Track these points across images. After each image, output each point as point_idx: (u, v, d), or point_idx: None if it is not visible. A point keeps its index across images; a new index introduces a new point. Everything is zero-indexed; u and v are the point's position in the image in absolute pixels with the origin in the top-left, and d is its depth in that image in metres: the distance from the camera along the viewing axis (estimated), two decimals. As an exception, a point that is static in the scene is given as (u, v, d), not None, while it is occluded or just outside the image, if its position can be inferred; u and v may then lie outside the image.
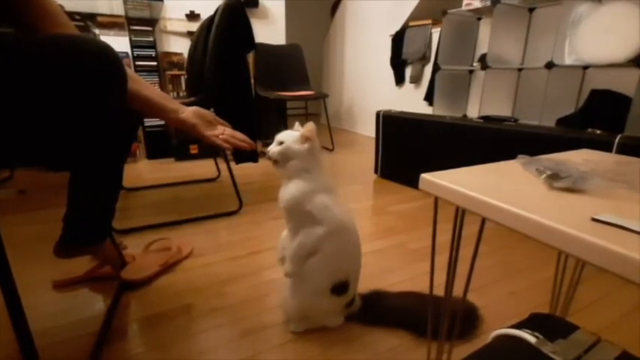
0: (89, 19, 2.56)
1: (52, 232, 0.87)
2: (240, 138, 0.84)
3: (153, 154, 2.51)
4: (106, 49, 0.58)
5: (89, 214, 0.86)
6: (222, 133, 0.83)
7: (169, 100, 0.79)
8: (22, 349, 0.57)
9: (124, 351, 0.76)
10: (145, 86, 0.75)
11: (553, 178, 0.43)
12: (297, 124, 0.78)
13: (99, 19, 2.59)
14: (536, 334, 0.26)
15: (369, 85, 3.55)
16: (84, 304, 0.92)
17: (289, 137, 0.73)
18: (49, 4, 0.67)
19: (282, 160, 0.73)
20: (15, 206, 1.58)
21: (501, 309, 0.90)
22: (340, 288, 0.76)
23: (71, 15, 2.46)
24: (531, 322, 0.31)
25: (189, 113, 0.80)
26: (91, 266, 1.00)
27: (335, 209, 0.74)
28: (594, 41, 1.59)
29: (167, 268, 1.06)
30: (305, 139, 0.72)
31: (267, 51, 2.93)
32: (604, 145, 1.12)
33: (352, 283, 0.79)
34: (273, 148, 0.73)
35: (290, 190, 0.72)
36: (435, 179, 0.46)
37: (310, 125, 0.72)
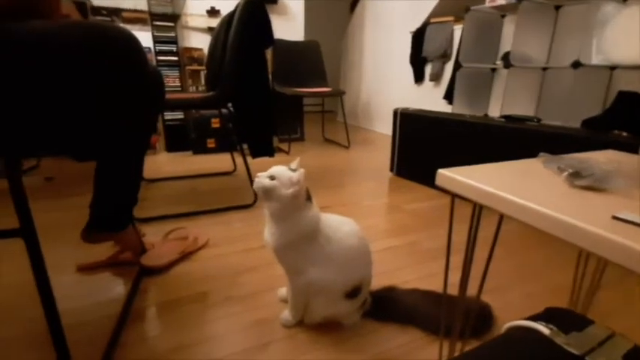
0: (114, 14, 2.64)
1: (76, 218, 0.91)
2: None
3: (172, 147, 2.58)
4: (123, 32, 0.61)
5: (113, 202, 0.90)
6: None
7: None
8: (50, 325, 0.60)
9: (143, 332, 0.79)
10: None
11: (574, 176, 0.42)
12: (297, 160, 0.76)
13: (124, 14, 2.67)
14: (551, 326, 0.26)
15: (387, 82, 3.52)
16: (105, 287, 0.96)
17: (283, 178, 0.69)
18: None
19: (264, 195, 0.71)
20: (42, 193, 1.65)
21: (517, 310, 0.88)
22: (353, 292, 0.76)
23: (98, 10, 2.54)
24: (546, 315, 0.31)
25: None
26: (112, 252, 1.04)
27: (324, 245, 0.73)
28: (622, 42, 1.53)
29: (184, 256, 1.10)
30: (291, 184, 0.69)
31: (286, 47, 2.94)
32: (629, 148, 1.07)
33: (365, 286, 0.79)
34: (264, 181, 0.70)
35: (272, 236, 0.73)
36: (452, 174, 0.46)
37: (300, 174, 0.69)
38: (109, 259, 1.03)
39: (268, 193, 0.70)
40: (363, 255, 0.78)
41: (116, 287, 0.96)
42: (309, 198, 0.73)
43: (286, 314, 0.82)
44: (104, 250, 1.03)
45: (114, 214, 0.91)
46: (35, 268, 0.57)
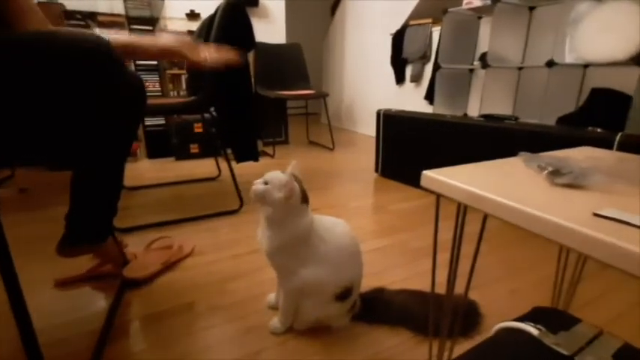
0: (89, 18, 2.56)
1: (53, 230, 0.87)
2: (224, 52, 0.85)
3: (153, 153, 2.52)
4: (100, 44, 0.59)
5: (91, 213, 0.86)
6: (207, 56, 0.85)
7: (144, 37, 0.81)
8: (25, 346, 0.57)
9: (126, 348, 0.76)
10: (122, 36, 0.77)
11: (554, 174, 0.43)
12: (294, 162, 0.76)
13: (99, 18, 2.59)
14: (539, 326, 0.26)
15: (369, 84, 3.55)
16: (86, 302, 0.92)
17: (274, 181, 0.70)
18: (24, 1, 0.68)
19: (258, 201, 0.71)
20: (16, 205, 1.58)
21: (503, 306, 0.90)
22: (344, 294, 0.76)
23: (72, 14, 2.46)
24: (534, 315, 0.31)
25: (169, 38, 0.81)
26: (92, 264, 1.00)
27: (318, 246, 0.73)
28: (595, 40, 1.59)
29: (169, 266, 1.07)
30: (286, 195, 0.69)
31: (267, 50, 2.93)
32: (604, 144, 1.12)
33: (355, 288, 0.79)
34: (257, 187, 0.70)
35: (267, 239, 0.73)
36: (437, 176, 0.46)
37: (290, 183, 0.69)
38: (89, 273, 0.99)
39: (262, 198, 0.70)
40: (355, 256, 0.78)
41: (97, 302, 0.92)
42: (305, 200, 0.73)
43: (275, 321, 0.81)
44: (83, 263, 0.99)
45: (92, 226, 0.88)
46: (8, 284, 0.54)
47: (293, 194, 0.69)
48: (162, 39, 0.81)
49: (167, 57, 0.82)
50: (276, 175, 0.71)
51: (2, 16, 0.65)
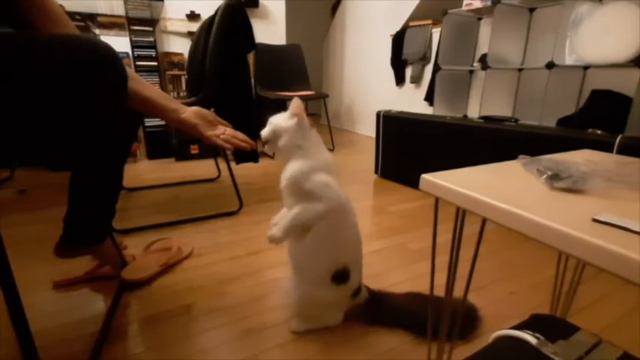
0: (89, 19, 2.56)
1: (52, 231, 0.87)
2: (240, 138, 0.84)
3: (153, 154, 2.52)
4: (106, 48, 0.58)
5: (90, 214, 0.86)
6: (223, 133, 0.83)
7: (170, 100, 0.79)
8: (22, 348, 0.57)
9: (125, 351, 0.76)
10: (146, 86, 0.75)
11: (554, 178, 0.43)
12: (295, 99, 0.79)
13: (99, 19, 2.59)
14: (537, 334, 0.26)
15: (369, 85, 3.55)
16: (84, 304, 0.92)
17: (278, 117, 0.76)
18: (50, 3, 0.67)
19: (273, 138, 0.74)
20: (15, 206, 1.58)
21: (502, 309, 0.90)
22: (341, 276, 0.75)
23: (71, 15, 2.45)
24: (532, 323, 0.31)
25: (190, 113, 0.80)
26: (91, 266, 1.00)
27: (334, 187, 0.74)
28: (595, 41, 1.59)
29: (167, 268, 1.06)
30: (292, 115, 0.74)
31: (268, 51, 2.93)
32: (605, 146, 1.12)
33: (354, 271, 0.78)
34: (267, 128, 0.76)
35: (288, 170, 0.73)
36: (436, 179, 0.46)
37: (296, 101, 0.73)
38: (87, 274, 0.99)
39: (275, 132, 0.74)
40: (354, 228, 0.78)
41: (95, 303, 0.92)
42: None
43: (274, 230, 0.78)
44: (82, 264, 0.99)
45: (90, 227, 0.87)
46: (4, 285, 0.54)
47: (304, 119, 0.73)
48: (186, 112, 0.79)
49: (183, 128, 0.80)
50: (278, 115, 0.76)
51: (26, 18, 0.65)
